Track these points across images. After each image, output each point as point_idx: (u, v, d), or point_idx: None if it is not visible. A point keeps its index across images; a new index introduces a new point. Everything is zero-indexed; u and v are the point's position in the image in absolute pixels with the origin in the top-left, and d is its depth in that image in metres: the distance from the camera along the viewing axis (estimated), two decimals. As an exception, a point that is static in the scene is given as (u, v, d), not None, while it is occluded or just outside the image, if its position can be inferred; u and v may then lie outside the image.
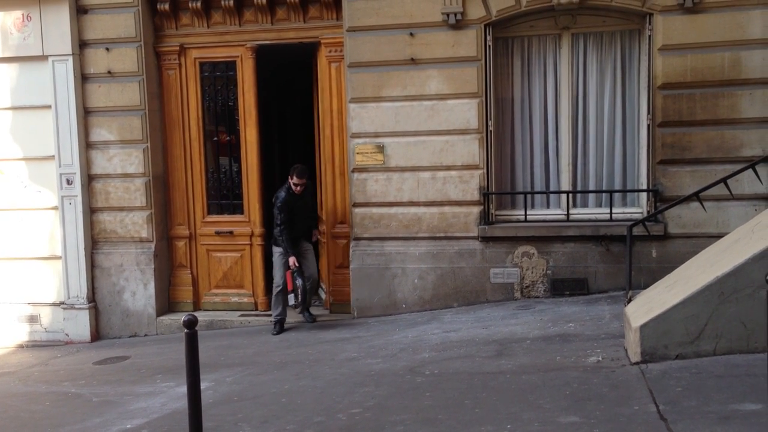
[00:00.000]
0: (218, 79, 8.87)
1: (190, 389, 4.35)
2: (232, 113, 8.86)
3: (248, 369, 6.48)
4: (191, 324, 4.31)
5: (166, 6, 8.55)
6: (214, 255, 8.99)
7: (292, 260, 7.73)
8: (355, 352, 6.66)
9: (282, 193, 7.84)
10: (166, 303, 8.98)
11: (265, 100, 9.14)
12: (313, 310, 8.43)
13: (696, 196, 6.74)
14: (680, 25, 7.39)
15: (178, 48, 8.74)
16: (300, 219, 7.98)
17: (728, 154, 7.36)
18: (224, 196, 8.99)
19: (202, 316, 8.48)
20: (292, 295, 7.77)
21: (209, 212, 9.00)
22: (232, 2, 8.37)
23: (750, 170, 6.72)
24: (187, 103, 8.84)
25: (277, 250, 7.91)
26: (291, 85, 11.16)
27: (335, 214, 8.57)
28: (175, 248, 9.03)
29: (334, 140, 8.46)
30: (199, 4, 8.45)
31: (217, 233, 8.93)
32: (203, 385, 4.71)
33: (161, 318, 8.78)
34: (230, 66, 8.76)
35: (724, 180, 6.61)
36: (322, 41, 8.41)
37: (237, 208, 8.93)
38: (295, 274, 7.73)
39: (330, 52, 8.40)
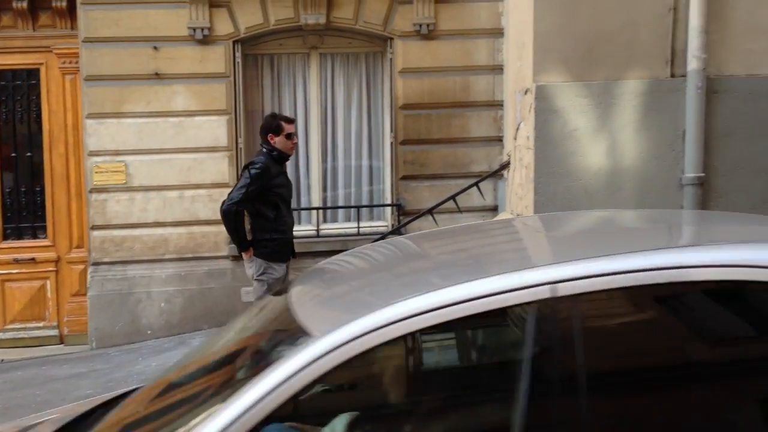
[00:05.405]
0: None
1: None
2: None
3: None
4: None
5: None
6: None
7: (247, 255, 5.48)
8: (90, 388, 6.12)
9: (261, 157, 5.49)
10: None
11: None
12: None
13: (430, 213, 7.18)
14: (417, 50, 7.82)
15: None
16: (288, 207, 5.66)
17: (461, 170, 7.88)
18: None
19: None
20: None
21: None
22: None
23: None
24: None
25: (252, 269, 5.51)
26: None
27: (70, 238, 7.96)
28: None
29: (69, 158, 7.86)
30: None
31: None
32: None
33: None
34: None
35: (453, 197, 7.10)
36: (54, 51, 7.78)
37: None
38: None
39: (64, 63, 7.79)
